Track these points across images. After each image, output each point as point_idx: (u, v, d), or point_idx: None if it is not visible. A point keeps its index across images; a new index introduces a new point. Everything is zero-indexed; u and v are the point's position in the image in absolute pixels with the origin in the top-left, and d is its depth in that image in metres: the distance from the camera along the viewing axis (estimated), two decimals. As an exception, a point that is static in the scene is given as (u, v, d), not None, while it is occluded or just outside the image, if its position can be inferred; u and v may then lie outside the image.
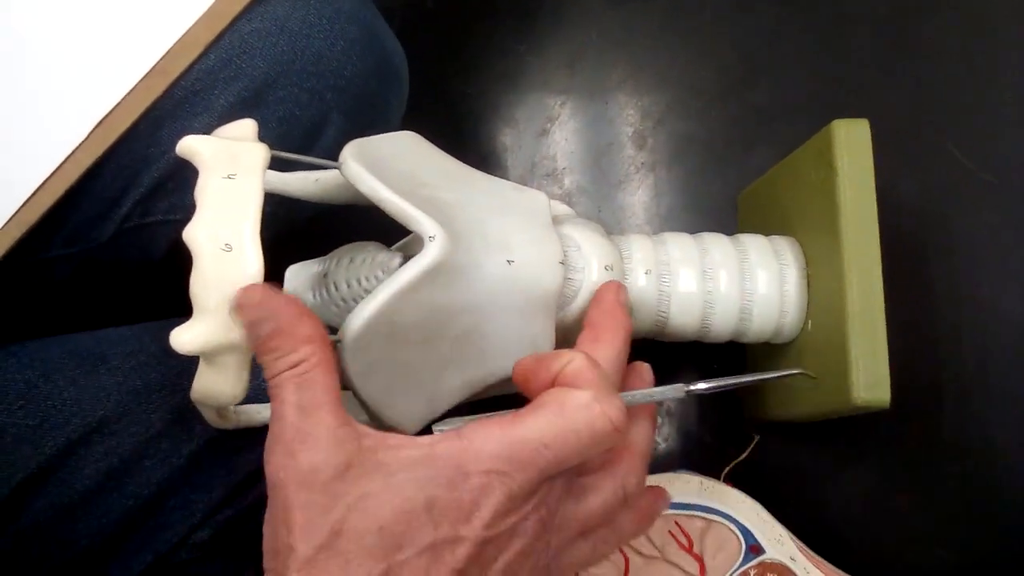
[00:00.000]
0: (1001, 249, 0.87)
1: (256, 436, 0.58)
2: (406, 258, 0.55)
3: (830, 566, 0.72)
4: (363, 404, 0.53)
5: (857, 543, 0.83)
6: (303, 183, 0.61)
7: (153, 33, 0.60)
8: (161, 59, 0.60)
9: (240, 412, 0.56)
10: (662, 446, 0.88)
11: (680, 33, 0.97)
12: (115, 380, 0.58)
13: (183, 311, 0.47)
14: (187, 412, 0.57)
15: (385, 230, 0.60)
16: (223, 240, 0.46)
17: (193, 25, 0.60)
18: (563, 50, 0.98)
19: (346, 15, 0.67)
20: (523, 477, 0.43)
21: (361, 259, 0.59)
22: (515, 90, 0.97)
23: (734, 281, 0.68)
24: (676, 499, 0.73)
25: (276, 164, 0.51)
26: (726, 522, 0.72)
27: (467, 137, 0.97)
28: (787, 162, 0.75)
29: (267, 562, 0.43)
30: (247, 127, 0.51)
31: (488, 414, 0.48)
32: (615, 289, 0.59)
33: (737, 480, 0.78)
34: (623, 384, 0.55)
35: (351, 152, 0.55)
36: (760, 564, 0.71)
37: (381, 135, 0.58)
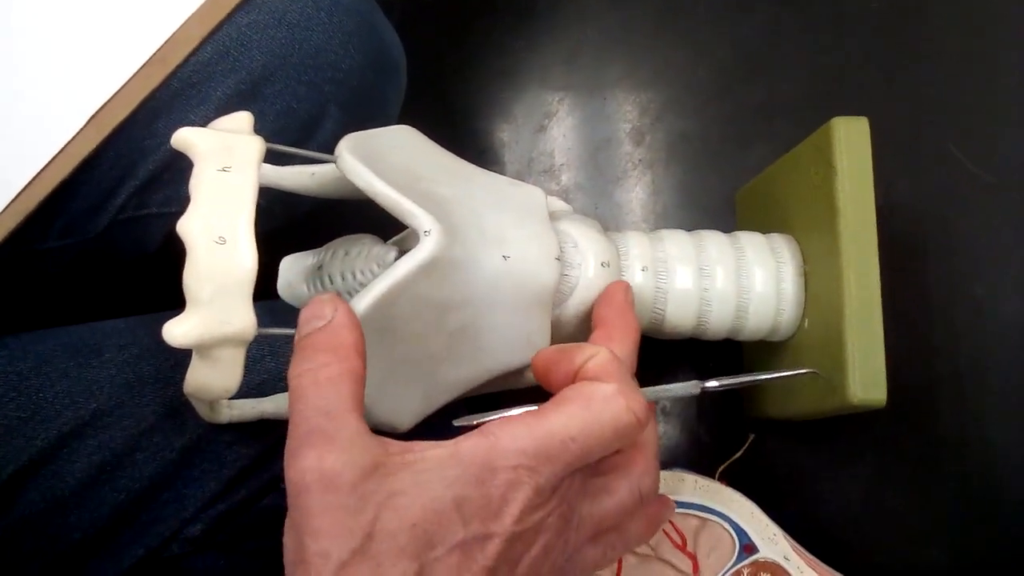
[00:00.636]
0: (1000, 250, 0.87)
1: (249, 430, 0.58)
2: (402, 252, 0.55)
3: (824, 565, 0.72)
4: None
5: (851, 543, 0.83)
6: (299, 177, 0.61)
7: (151, 23, 0.60)
8: (159, 49, 0.60)
9: (233, 406, 0.56)
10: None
11: (678, 30, 0.97)
12: (108, 373, 0.57)
13: (177, 304, 0.47)
14: (180, 406, 0.57)
15: (381, 224, 0.60)
16: (217, 233, 0.45)
17: (191, 16, 0.60)
18: (561, 46, 0.98)
19: (345, 7, 0.66)
20: (550, 471, 0.43)
21: (356, 252, 0.58)
22: (513, 86, 0.97)
23: (731, 278, 0.68)
24: (671, 497, 0.72)
25: (272, 158, 0.51)
26: (720, 521, 0.72)
27: (465, 132, 0.96)
28: (786, 159, 0.75)
29: (293, 573, 0.42)
30: (243, 120, 0.51)
31: (509, 410, 0.48)
32: (624, 289, 0.59)
33: (732, 479, 0.78)
34: None
35: (347, 146, 0.55)
36: (753, 563, 0.71)
37: (377, 129, 0.58)
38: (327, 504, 0.40)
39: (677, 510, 0.73)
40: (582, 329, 0.65)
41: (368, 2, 0.69)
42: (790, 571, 0.71)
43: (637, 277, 0.67)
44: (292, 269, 0.62)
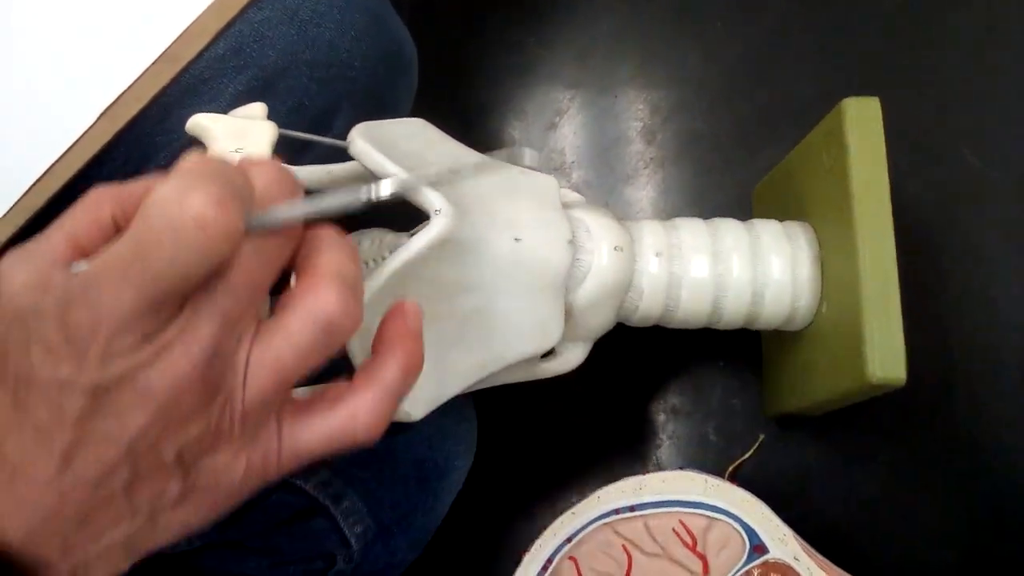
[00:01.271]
0: (1012, 248, 0.87)
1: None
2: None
3: (834, 567, 0.72)
4: None
5: (862, 544, 0.83)
6: (315, 175, 0.61)
7: (163, 19, 0.60)
8: (171, 45, 0.59)
9: None
10: (667, 444, 0.88)
11: (690, 29, 0.97)
12: None
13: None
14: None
15: (395, 222, 0.60)
16: None
17: (204, 11, 0.60)
18: (573, 44, 0.98)
19: (357, 5, 0.66)
20: (116, 303, 0.35)
21: (370, 242, 0.58)
22: (524, 83, 0.97)
23: (746, 266, 0.68)
24: (680, 497, 0.72)
25: (285, 147, 0.51)
26: (730, 521, 0.72)
27: (476, 130, 0.96)
28: (799, 149, 0.75)
29: None
30: (256, 109, 0.51)
31: None
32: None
33: (741, 479, 0.78)
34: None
35: (359, 132, 0.55)
36: (764, 563, 0.71)
37: (390, 119, 0.58)
38: None
39: (687, 510, 0.73)
40: (596, 315, 0.65)
41: (381, 1, 0.69)
42: (800, 572, 0.71)
43: (652, 265, 0.66)
44: None
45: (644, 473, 0.73)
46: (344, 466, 0.65)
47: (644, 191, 0.94)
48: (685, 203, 0.93)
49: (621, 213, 0.93)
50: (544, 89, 0.97)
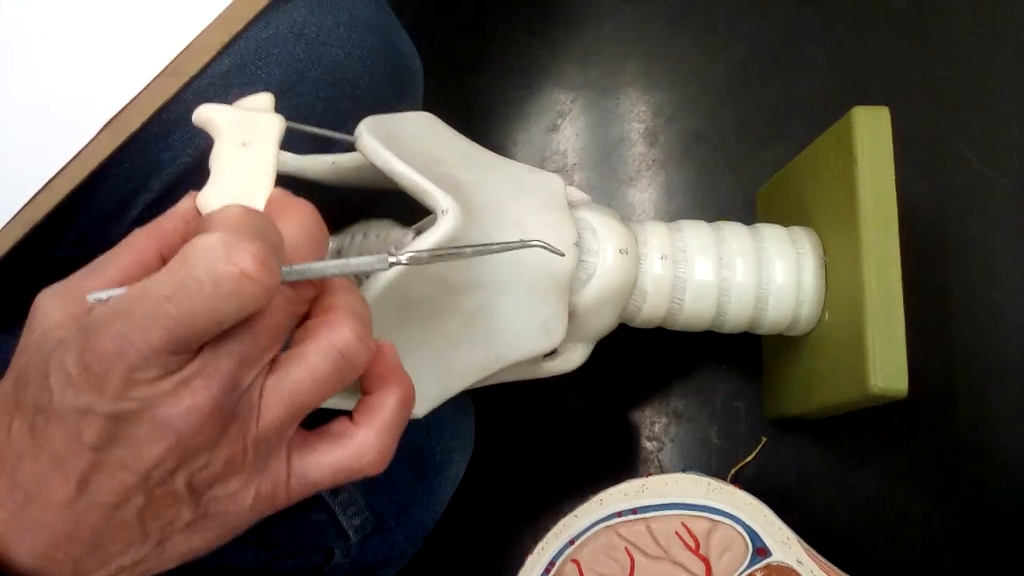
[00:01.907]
0: (1016, 252, 0.87)
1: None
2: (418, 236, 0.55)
3: (837, 569, 0.72)
4: None
5: (864, 546, 0.83)
6: (319, 166, 0.61)
7: (167, 34, 0.60)
8: (174, 60, 0.59)
9: None
10: (669, 446, 0.88)
11: (694, 29, 0.97)
12: None
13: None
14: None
15: (399, 213, 0.60)
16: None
17: (207, 27, 0.60)
18: (575, 45, 0.97)
19: (364, 23, 0.66)
20: (143, 337, 0.36)
21: (375, 236, 0.59)
22: (526, 84, 0.97)
23: (750, 270, 0.68)
24: (683, 500, 0.72)
25: (291, 140, 0.51)
26: (733, 524, 0.72)
27: (477, 131, 0.95)
28: (805, 154, 0.75)
29: None
30: (264, 100, 0.51)
31: None
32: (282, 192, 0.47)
33: (744, 482, 0.78)
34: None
35: (367, 127, 0.55)
36: (766, 566, 0.71)
37: (397, 114, 0.58)
38: (22, 338, 0.40)
39: (689, 512, 0.73)
40: (599, 316, 0.65)
41: (386, 16, 0.69)
42: (803, 574, 0.71)
43: (656, 267, 0.67)
44: None
45: (646, 475, 0.73)
46: None
47: (647, 193, 0.94)
48: (688, 205, 0.93)
49: (624, 215, 0.93)
50: (546, 91, 0.97)
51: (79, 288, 0.40)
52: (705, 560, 0.71)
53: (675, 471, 0.76)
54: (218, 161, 0.47)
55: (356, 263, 0.42)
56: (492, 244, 0.48)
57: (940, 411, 0.84)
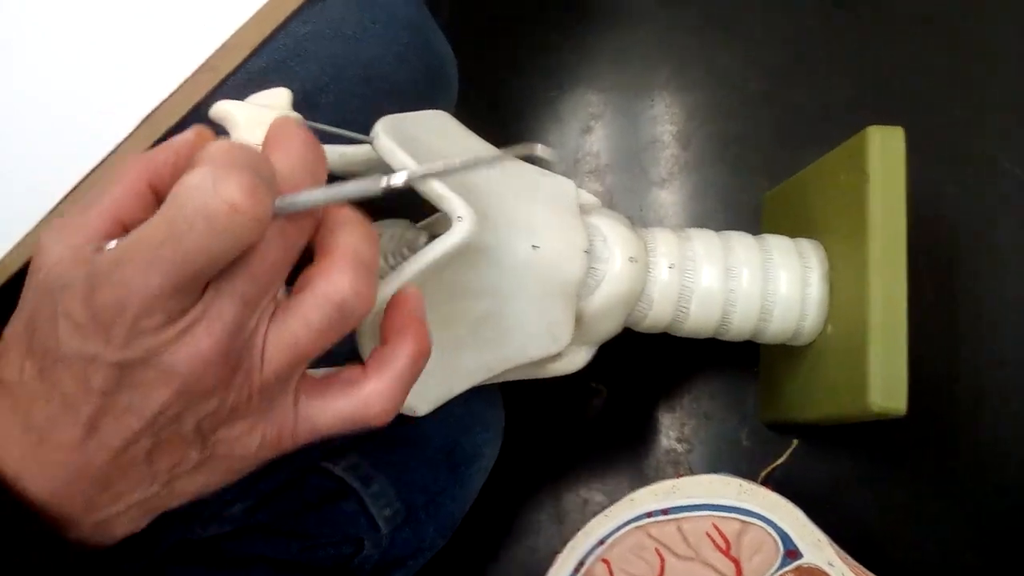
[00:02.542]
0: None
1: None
2: (431, 237, 0.55)
3: (868, 572, 0.71)
4: None
5: (895, 549, 0.82)
6: (329, 156, 0.61)
7: (204, 30, 0.60)
8: (211, 56, 0.60)
9: None
10: (699, 448, 0.88)
11: (727, 32, 0.97)
12: None
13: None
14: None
15: (408, 209, 0.61)
16: None
17: (245, 23, 0.60)
18: (609, 47, 0.98)
19: (400, 21, 0.66)
20: (144, 289, 0.36)
21: (387, 235, 0.59)
22: (560, 86, 0.97)
23: (756, 280, 0.68)
24: (714, 501, 0.72)
25: None
26: (764, 525, 0.72)
27: (511, 132, 0.97)
28: (817, 165, 0.75)
29: None
30: (282, 96, 0.51)
31: None
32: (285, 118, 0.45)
33: (774, 485, 0.78)
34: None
35: (383, 127, 0.55)
36: (797, 568, 0.71)
37: (412, 112, 0.58)
38: (28, 275, 0.40)
39: (721, 514, 0.73)
40: (605, 322, 0.65)
41: (423, 15, 0.69)
42: (834, 577, 0.71)
43: (663, 274, 0.67)
44: None
45: (676, 476, 0.73)
46: (373, 449, 0.66)
47: (679, 195, 0.94)
48: (721, 208, 0.93)
49: (655, 218, 0.93)
50: (580, 92, 0.97)
51: (77, 222, 0.40)
52: (736, 561, 0.71)
53: (705, 473, 0.75)
54: None
55: (348, 188, 0.41)
56: (486, 157, 0.47)
57: (969, 415, 0.83)
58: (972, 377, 0.84)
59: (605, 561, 0.72)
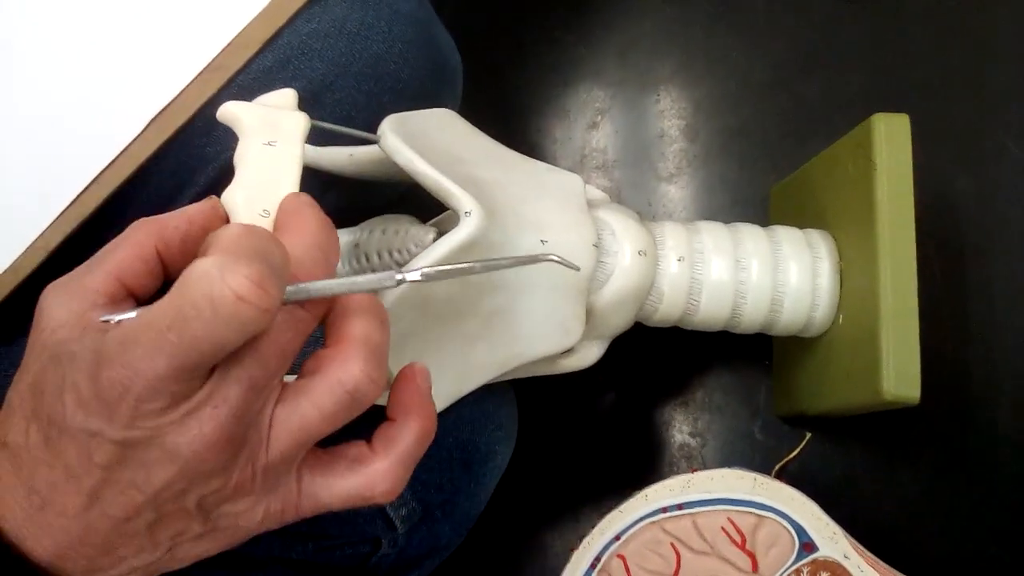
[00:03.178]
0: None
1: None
2: (440, 233, 0.55)
3: (884, 564, 0.71)
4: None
5: (910, 542, 0.82)
6: (337, 157, 0.61)
7: (210, 29, 0.60)
8: (218, 55, 0.60)
9: None
10: (712, 442, 0.88)
11: (733, 24, 0.96)
12: None
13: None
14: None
15: (418, 206, 0.60)
16: (261, 206, 0.45)
17: (250, 22, 0.60)
18: (614, 41, 0.97)
19: (404, 17, 0.66)
20: (150, 371, 0.36)
21: (394, 231, 0.59)
22: (565, 81, 0.97)
23: (766, 272, 0.68)
24: (729, 495, 0.72)
25: (315, 136, 0.51)
26: (779, 519, 0.72)
27: (517, 128, 0.97)
28: (823, 156, 0.75)
29: None
30: (288, 96, 0.51)
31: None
32: (296, 195, 0.46)
33: (788, 478, 0.78)
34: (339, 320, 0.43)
35: (390, 126, 0.55)
36: (813, 562, 0.70)
37: (419, 111, 0.58)
38: (31, 335, 0.41)
39: (736, 508, 0.72)
40: (616, 316, 0.65)
41: (427, 11, 0.69)
42: (850, 570, 0.70)
43: (673, 267, 0.67)
44: None
45: (691, 471, 0.73)
46: None
47: (687, 189, 0.93)
48: (729, 202, 0.93)
49: (664, 211, 0.93)
50: (586, 88, 0.97)
51: (81, 284, 0.41)
52: (751, 555, 0.71)
53: (718, 467, 0.75)
54: (243, 160, 0.47)
55: (363, 281, 0.41)
56: (502, 259, 0.47)
57: (985, 404, 0.83)
58: (985, 365, 0.83)
59: (621, 557, 0.71)
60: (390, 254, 0.58)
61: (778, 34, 0.95)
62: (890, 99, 0.92)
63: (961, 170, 0.88)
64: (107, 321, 0.39)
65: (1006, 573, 0.81)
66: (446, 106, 0.71)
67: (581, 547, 0.72)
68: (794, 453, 0.83)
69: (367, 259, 0.59)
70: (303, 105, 0.64)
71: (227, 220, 0.45)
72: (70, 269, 0.61)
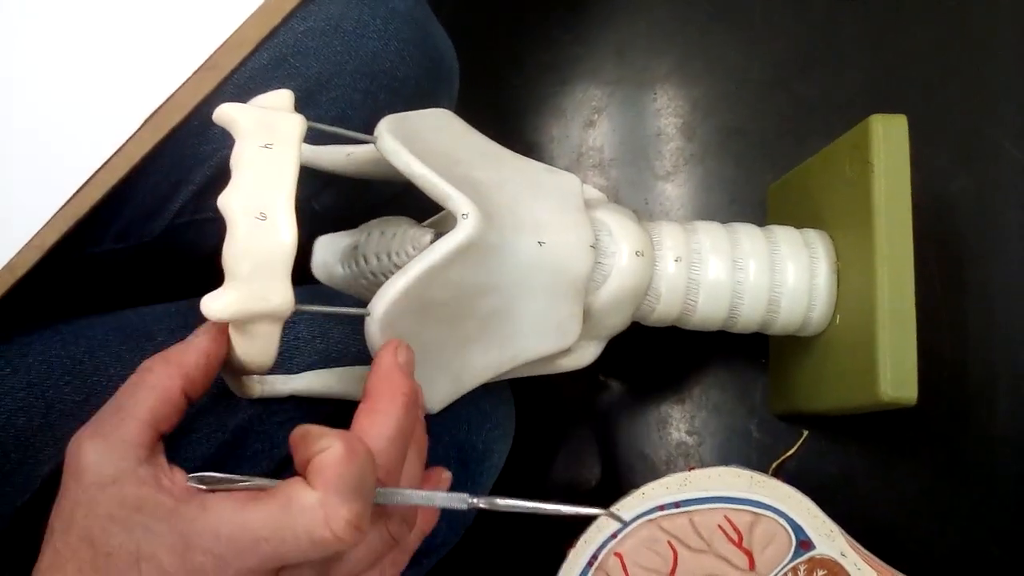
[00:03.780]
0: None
1: (301, 411, 0.59)
2: (437, 235, 0.55)
3: (881, 562, 0.71)
4: None
5: (908, 540, 0.82)
6: (335, 157, 0.61)
7: (205, 28, 0.60)
8: (213, 54, 0.60)
9: (264, 381, 0.56)
10: (709, 440, 0.88)
11: (731, 23, 0.96)
12: None
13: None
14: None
15: (415, 207, 0.60)
16: (258, 209, 0.45)
17: (246, 21, 0.60)
18: (611, 40, 0.97)
19: (400, 15, 0.66)
20: (239, 565, 0.41)
21: (392, 233, 0.59)
22: (562, 80, 0.97)
23: (764, 272, 0.68)
24: (726, 493, 0.72)
25: (312, 137, 0.51)
26: (776, 517, 0.72)
27: (513, 127, 0.96)
28: (821, 156, 0.75)
29: None
30: (284, 97, 0.51)
31: (249, 480, 0.45)
32: (392, 350, 0.48)
33: (785, 476, 0.78)
34: (409, 473, 0.48)
35: (387, 127, 0.55)
36: (810, 559, 0.70)
37: (416, 111, 0.58)
38: (71, 485, 0.43)
39: (733, 506, 0.72)
40: (613, 316, 0.65)
41: (423, 9, 0.69)
42: (847, 567, 0.70)
43: (670, 267, 0.67)
44: (327, 249, 0.62)
45: (688, 469, 0.73)
46: None
47: (684, 188, 0.93)
48: (726, 200, 0.92)
49: (661, 211, 0.93)
50: (583, 86, 0.97)
51: (120, 438, 0.43)
52: (748, 553, 0.71)
53: (716, 465, 0.75)
54: (240, 163, 0.47)
55: (439, 499, 0.47)
56: (563, 508, 0.49)
57: (981, 403, 0.83)
58: (982, 364, 0.83)
59: (618, 555, 0.72)
60: (388, 256, 0.58)
61: (776, 33, 0.95)
62: (888, 98, 0.92)
63: (959, 170, 0.88)
64: (194, 488, 0.44)
65: (1003, 572, 0.82)
66: (442, 104, 0.71)
67: (578, 545, 0.72)
68: (791, 451, 0.83)
69: (365, 261, 0.59)
70: (299, 104, 0.64)
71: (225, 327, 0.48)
72: (66, 268, 0.62)
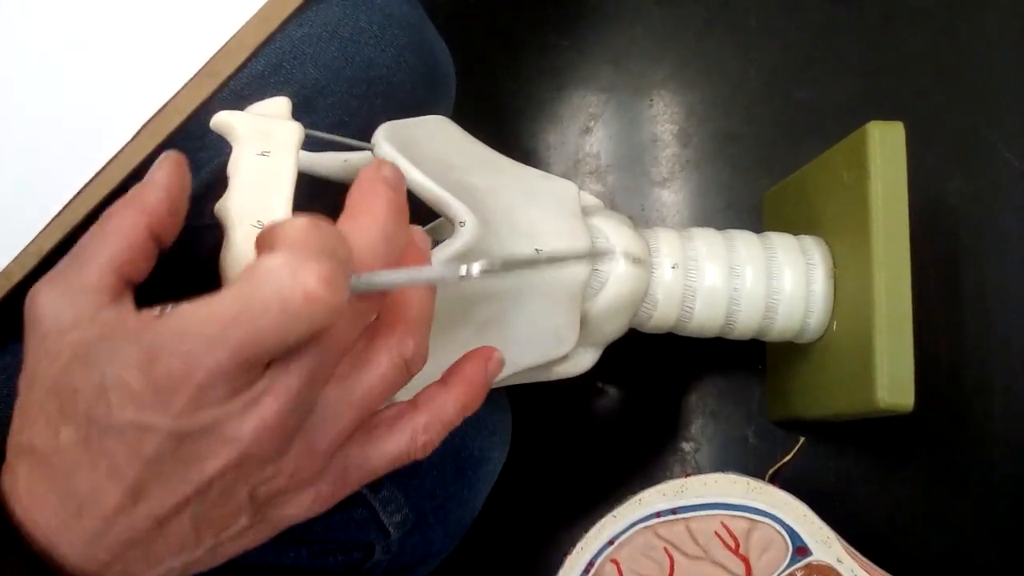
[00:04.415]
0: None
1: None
2: (434, 242, 0.55)
3: (878, 569, 0.71)
4: None
5: (904, 546, 0.82)
6: (331, 164, 0.61)
7: (203, 34, 0.60)
8: (210, 60, 0.60)
9: None
10: (706, 446, 0.88)
11: (726, 29, 0.97)
12: None
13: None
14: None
15: (411, 211, 0.60)
16: (255, 216, 0.45)
17: (243, 27, 0.60)
18: (607, 46, 0.97)
19: (397, 21, 0.66)
20: (210, 360, 0.36)
21: None
22: (558, 87, 0.97)
23: (760, 279, 0.68)
24: (722, 499, 0.72)
25: (309, 144, 0.51)
26: (773, 523, 0.72)
27: (509, 133, 0.97)
28: (818, 162, 0.76)
29: None
30: (282, 105, 0.51)
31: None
32: (375, 166, 0.44)
33: (782, 482, 0.78)
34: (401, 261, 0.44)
35: (384, 134, 0.55)
36: (807, 566, 0.70)
37: (413, 118, 0.59)
38: (30, 340, 0.39)
39: (729, 512, 0.72)
40: (610, 323, 0.65)
41: (419, 16, 0.69)
42: (844, 573, 0.70)
43: (667, 274, 0.67)
44: None
45: (684, 476, 0.73)
46: None
47: (680, 194, 0.93)
48: (723, 206, 0.93)
49: (658, 217, 0.93)
50: (579, 93, 0.97)
51: (79, 283, 0.40)
52: (745, 560, 0.71)
53: (712, 471, 0.75)
54: (237, 170, 0.47)
55: (426, 273, 0.42)
56: (566, 254, 0.47)
57: (978, 411, 0.83)
58: (979, 370, 0.84)
59: (614, 561, 0.71)
60: None
61: (772, 38, 0.95)
62: (884, 103, 0.92)
63: (954, 173, 0.88)
64: (160, 313, 0.38)
65: (998, 577, 0.82)
66: (439, 111, 0.71)
67: (575, 552, 0.72)
68: (788, 458, 0.83)
69: None
70: (296, 111, 0.64)
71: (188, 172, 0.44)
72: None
